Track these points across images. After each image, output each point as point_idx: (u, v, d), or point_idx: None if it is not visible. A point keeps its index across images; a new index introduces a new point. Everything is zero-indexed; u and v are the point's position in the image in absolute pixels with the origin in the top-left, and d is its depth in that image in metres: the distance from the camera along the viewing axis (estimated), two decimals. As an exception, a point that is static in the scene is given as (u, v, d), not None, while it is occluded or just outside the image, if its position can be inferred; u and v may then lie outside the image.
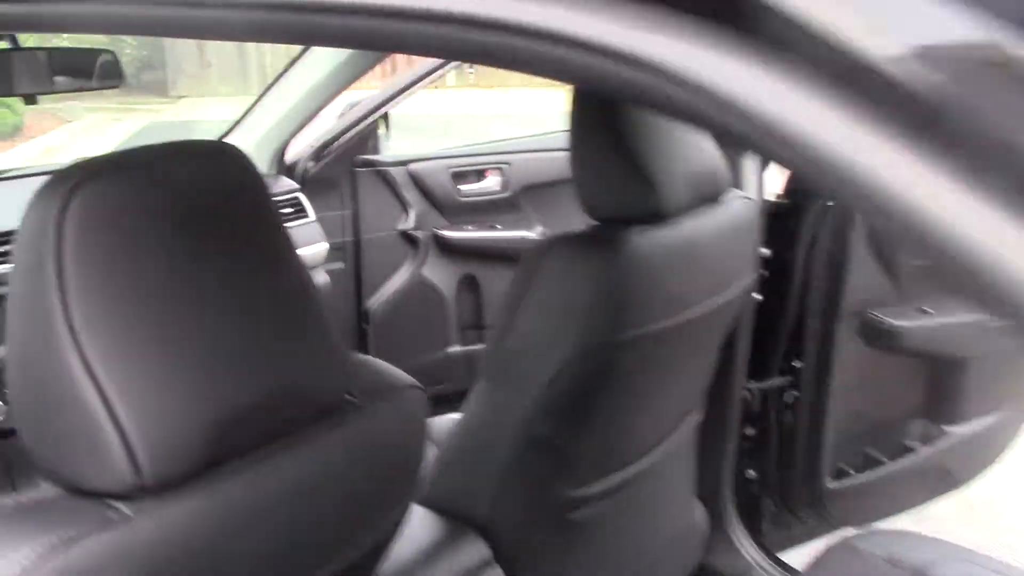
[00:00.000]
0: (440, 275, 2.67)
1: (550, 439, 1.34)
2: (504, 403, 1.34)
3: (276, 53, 12.32)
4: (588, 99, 1.29)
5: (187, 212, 0.78)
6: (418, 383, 0.96)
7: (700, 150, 1.38)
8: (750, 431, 1.96)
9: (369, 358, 0.97)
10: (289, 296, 0.84)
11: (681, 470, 1.69)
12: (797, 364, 1.87)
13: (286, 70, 2.31)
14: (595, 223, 1.34)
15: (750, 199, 1.53)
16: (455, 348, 2.73)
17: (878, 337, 1.86)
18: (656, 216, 1.30)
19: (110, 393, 0.70)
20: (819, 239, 1.79)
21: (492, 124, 9.16)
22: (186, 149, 0.83)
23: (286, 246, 0.85)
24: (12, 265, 0.76)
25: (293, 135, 2.37)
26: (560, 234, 1.32)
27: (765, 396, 1.93)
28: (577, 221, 1.34)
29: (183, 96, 11.61)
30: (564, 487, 1.39)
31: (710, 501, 1.85)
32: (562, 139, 2.82)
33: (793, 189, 1.82)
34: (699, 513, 1.79)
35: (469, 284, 2.72)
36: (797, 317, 1.84)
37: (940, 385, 2.00)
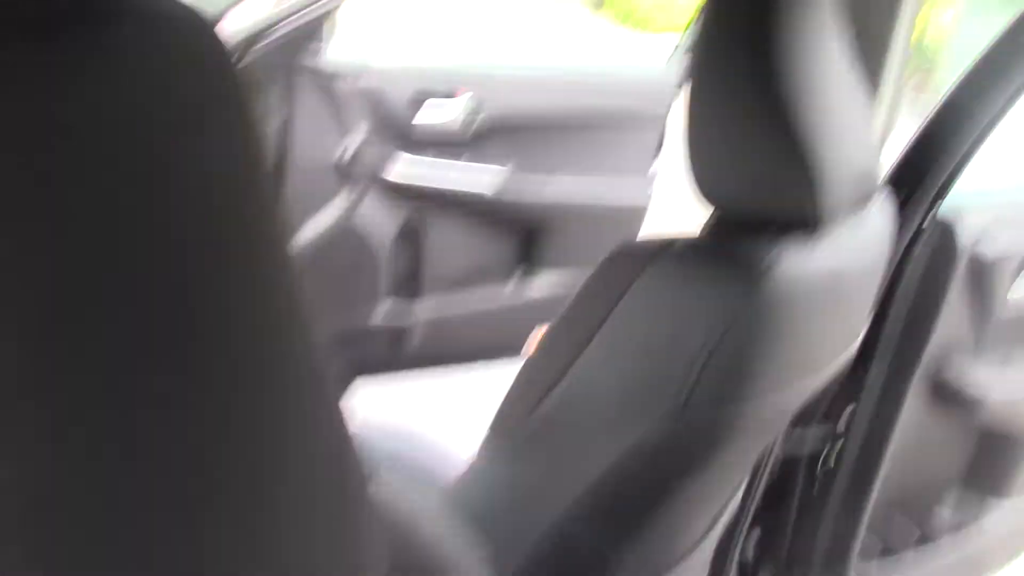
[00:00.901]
0: (378, 218, 2.17)
1: (590, 542, 0.90)
2: (534, 484, 0.88)
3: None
4: (722, 34, 0.83)
5: (86, 173, 0.29)
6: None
7: (863, 135, 0.92)
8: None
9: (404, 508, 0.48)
10: (285, 397, 0.35)
11: (705, 555, 1.27)
12: (843, 415, 1.47)
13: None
14: (715, 223, 0.89)
15: (888, 204, 1.09)
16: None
17: (953, 400, 1.46)
18: (807, 224, 0.86)
19: None
20: (908, 266, 1.37)
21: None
22: (103, 9, 0.31)
23: (285, 264, 0.36)
24: None
25: (220, 17, 1.79)
26: (665, 239, 0.86)
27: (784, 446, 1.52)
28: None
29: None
30: None
31: None
32: (560, 69, 2.36)
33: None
34: None
35: (410, 233, 2.23)
36: (856, 359, 1.42)
37: (994, 452, 1.63)
